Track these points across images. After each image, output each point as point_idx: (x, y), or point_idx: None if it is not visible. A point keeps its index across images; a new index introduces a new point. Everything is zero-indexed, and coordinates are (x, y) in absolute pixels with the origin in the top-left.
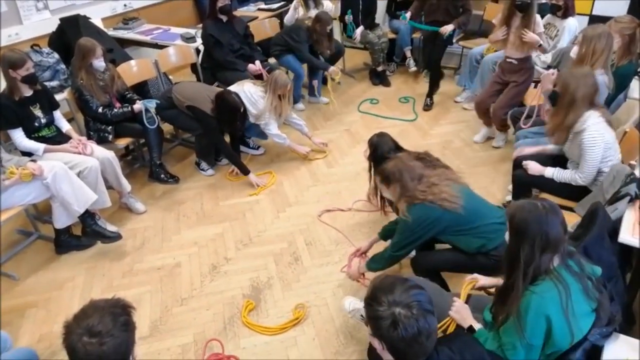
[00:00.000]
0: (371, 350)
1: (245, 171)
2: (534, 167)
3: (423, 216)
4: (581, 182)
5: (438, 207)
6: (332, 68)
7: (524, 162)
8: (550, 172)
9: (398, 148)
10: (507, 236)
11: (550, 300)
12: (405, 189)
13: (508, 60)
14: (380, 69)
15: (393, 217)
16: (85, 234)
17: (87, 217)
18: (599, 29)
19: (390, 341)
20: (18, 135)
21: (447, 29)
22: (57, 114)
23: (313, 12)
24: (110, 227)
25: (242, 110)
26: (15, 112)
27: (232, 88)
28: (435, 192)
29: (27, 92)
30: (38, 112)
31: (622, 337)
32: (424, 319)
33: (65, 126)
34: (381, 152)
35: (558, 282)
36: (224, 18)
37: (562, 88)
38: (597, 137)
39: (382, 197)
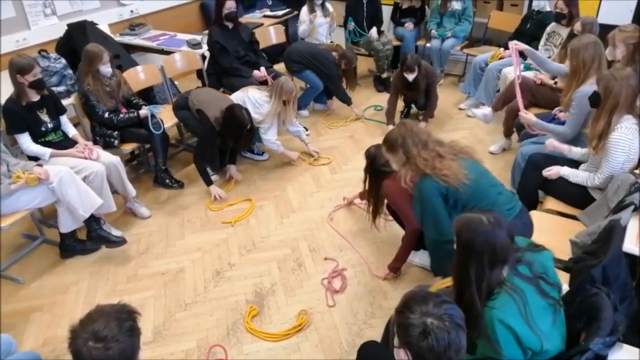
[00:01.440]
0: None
1: (208, 182)
2: (555, 171)
3: (428, 192)
4: (597, 183)
5: (441, 182)
6: (356, 110)
7: (544, 172)
8: (567, 171)
9: None
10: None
11: (509, 312)
12: (408, 154)
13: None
14: (384, 75)
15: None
16: (90, 238)
17: (92, 221)
18: (584, 39)
19: (418, 351)
20: (25, 140)
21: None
22: (64, 119)
23: (319, 12)
24: (115, 232)
25: (248, 127)
26: (23, 116)
27: (237, 94)
28: (437, 166)
29: (35, 97)
30: (45, 117)
31: (626, 346)
32: (455, 332)
33: (71, 131)
34: (378, 164)
35: (513, 292)
36: (230, 25)
37: (605, 91)
38: (625, 140)
39: (374, 210)
